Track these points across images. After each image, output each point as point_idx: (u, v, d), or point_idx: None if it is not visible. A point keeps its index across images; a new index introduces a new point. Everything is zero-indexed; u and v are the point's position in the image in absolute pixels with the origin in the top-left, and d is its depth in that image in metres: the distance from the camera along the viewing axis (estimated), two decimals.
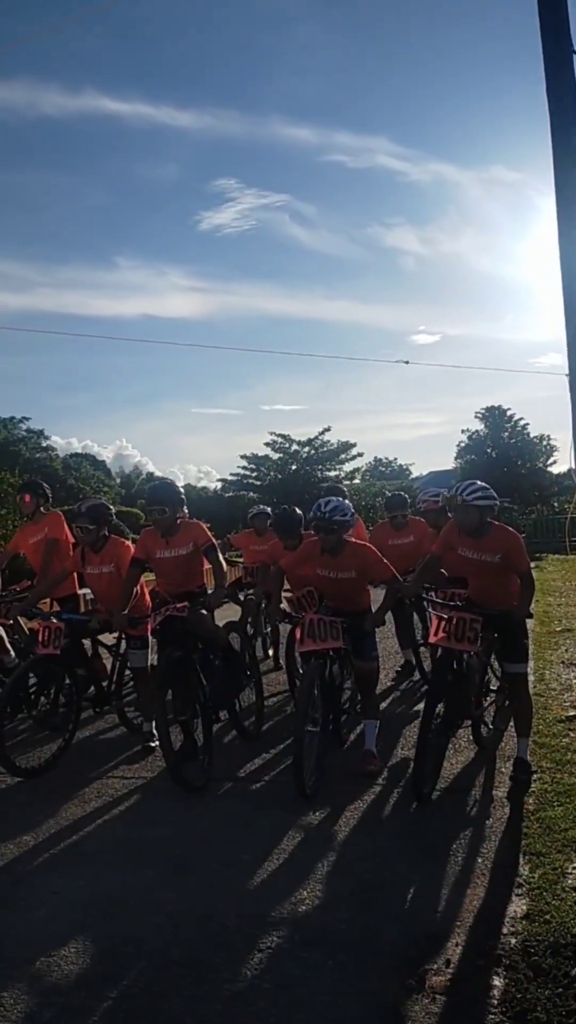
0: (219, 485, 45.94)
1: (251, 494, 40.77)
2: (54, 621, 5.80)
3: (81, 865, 4.23)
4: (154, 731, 6.10)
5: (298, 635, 5.43)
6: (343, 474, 39.46)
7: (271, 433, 40.03)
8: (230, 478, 42.54)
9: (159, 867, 4.16)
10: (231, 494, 42.85)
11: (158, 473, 65.26)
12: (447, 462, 43.96)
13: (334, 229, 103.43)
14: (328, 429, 39.20)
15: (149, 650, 6.22)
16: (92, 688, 6.17)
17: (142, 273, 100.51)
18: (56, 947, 3.41)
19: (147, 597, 6.39)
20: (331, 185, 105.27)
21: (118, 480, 62.88)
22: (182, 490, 6.09)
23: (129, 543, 6.37)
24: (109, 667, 6.41)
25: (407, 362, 33.24)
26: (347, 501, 5.68)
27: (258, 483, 40.49)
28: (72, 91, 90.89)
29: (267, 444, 39.69)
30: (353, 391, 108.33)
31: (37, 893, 3.92)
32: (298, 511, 7.42)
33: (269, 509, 10.01)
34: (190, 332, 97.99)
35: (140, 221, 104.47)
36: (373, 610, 5.67)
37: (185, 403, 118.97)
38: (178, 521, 5.90)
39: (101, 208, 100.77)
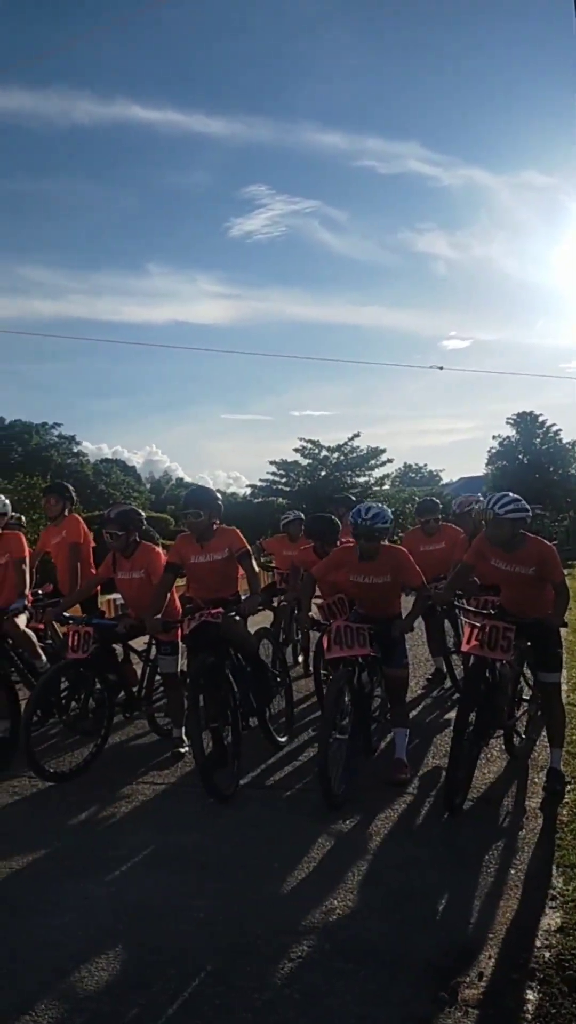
0: (248, 491, 45.98)
1: (280, 500, 40.77)
2: (83, 626, 5.83)
3: (111, 871, 4.23)
4: (184, 737, 6.10)
5: (325, 642, 5.40)
6: (372, 480, 39.34)
7: (300, 439, 39.97)
8: (259, 484, 42.53)
9: (188, 874, 4.15)
10: (260, 500, 42.90)
11: (188, 479, 65.68)
12: (478, 468, 43.82)
13: (364, 235, 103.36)
14: (358, 435, 39.08)
15: (179, 656, 6.23)
16: (122, 693, 6.19)
17: (173, 280, 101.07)
18: (85, 953, 3.40)
19: (177, 602, 6.40)
20: (362, 191, 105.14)
21: (148, 485, 63.32)
22: (219, 495, 6.08)
23: (159, 549, 6.38)
24: (139, 672, 6.42)
25: (441, 368, 33.04)
26: (386, 508, 5.67)
27: (287, 489, 40.47)
28: (103, 100, 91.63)
29: (296, 450, 39.68)
30: (383, 397, 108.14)
31: (67, 898, 3.92)
32: (336, 520, 7.40)
33: (303, 515, 10.00)
34: (220, 338, 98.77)
35: (171, 228, 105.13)
36: (403, 617, 5.63)
37: (215, 409, 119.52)
38: (214, 527, 5.90)
39: (133, 215, 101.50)
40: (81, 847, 4.57)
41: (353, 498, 10.22)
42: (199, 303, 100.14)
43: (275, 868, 4.16)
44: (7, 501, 6.70)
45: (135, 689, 6.29)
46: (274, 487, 41.21)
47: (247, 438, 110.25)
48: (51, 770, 5.64)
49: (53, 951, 3.44)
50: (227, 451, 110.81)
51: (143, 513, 6.48)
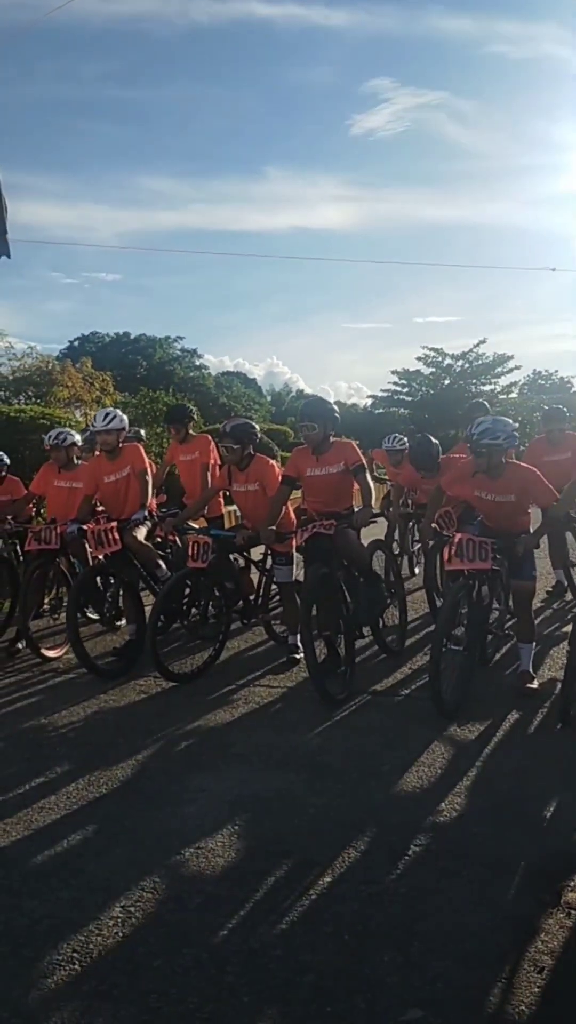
0: (369, 402, 45.50)
1: (402, 411, 40.26)
2: (203, 536, 6.02)
3: (229, 766, 4.46)
4: (299, 644, 6.28)
5: (445, 555, 5.37)
6: (499, 388, 38.21)
7: (423, 347, 39.10)
8: (380, 394, 42.02)
9: (302, 772, 4.33)
10: (381, 411, 42.42)
11: (308, 390, 65.60)
12: None
13: (495, 126, 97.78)
14: (483, 341, 37.91)
15: (294, 566, 6.36)
16: (240, 601, 6.40)
17: (293, 184, 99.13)
18: (204, 841, 3.62)
19: (291, 514, 6.50)
20: (492, 79, 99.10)
21: (268, 398, 63.56)
22: (336, 408, 6.07)
23: (274, 463, 6.49)
24: (256, 582, 6.61)
25: (553, 269, 31.59)
26: (507, 421, 5.46)
27: (409, 399, 39.88)
28: None
29: (419, 359, 38.87)
30: (512, 300, 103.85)
31: (188, 790, 4.17)
32: (434, 441, 7.32)
33: (406, 441, 9.83)
34: (342, 243, 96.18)
35: (291, 129, 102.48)
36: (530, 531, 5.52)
37: (336, 318, 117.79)
38: (330, 439, 5.93)
39: (251, 118, 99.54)
40: (202, 744, 4.82)
41: (486, 404, 9.89)
42: (320, 207, 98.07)
43: (385, 771, 4.29)
44: (125, 417, 6.94)
45: (252, 597, 6.49)
46: (395, 397, 40.67)
47: (369, 347, 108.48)
48: (175, 671, 5.94)
49: (174, 838, 3.67)
50: (348, 361, 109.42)
51: (257, 427, 6.56)
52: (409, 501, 8.62)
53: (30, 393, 23.40)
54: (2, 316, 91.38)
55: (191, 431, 8.27)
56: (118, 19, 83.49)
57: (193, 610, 6.86)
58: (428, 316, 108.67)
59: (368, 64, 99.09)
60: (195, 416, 8.58)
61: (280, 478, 6.19)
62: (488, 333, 72.08)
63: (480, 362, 38.07)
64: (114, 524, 6.40)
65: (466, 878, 3.24)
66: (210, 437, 8.18)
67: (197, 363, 58.53)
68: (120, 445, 6.78)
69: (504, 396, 37.72)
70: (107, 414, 6.85)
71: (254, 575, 6.65)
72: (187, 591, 6.75)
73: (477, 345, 37.84)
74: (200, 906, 3.13)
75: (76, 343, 56.14)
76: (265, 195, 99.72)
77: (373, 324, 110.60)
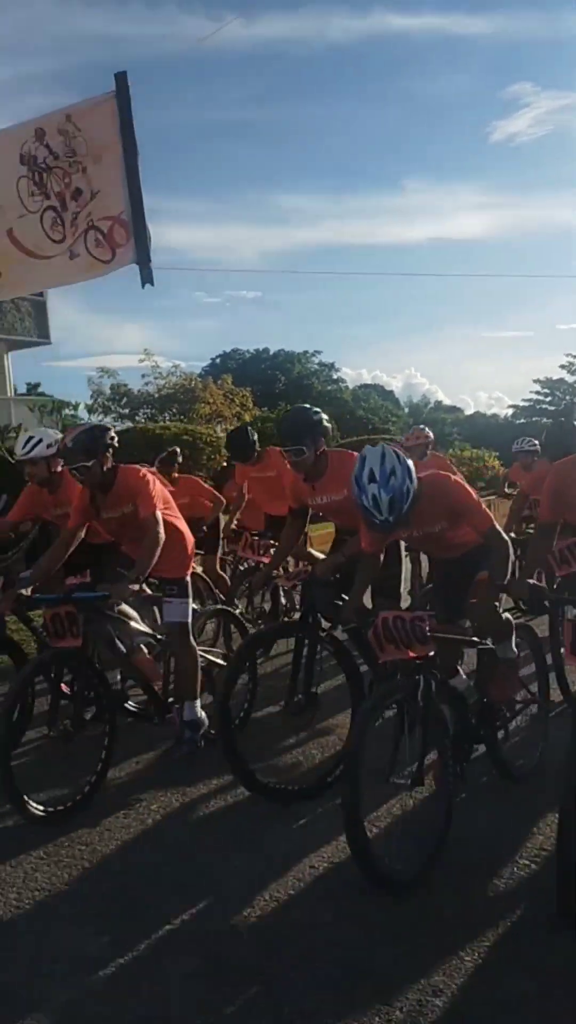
0: (510, 412, 44.13)
1: (545, 420, 38.84)
2: (65, 606, 4.32)
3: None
4: (196, 717, 4.74)
5: (371, 640, 3.66)
6: None
7: (567, 354, 37.58)
8: (522, 404, 40.80)
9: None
10: (523, 420, 41.10)
11: (447, 402, 64.54)
12: None
13: None
14: None
15: (190, 600, 4.86)
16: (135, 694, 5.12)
17: (431, 195, 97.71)
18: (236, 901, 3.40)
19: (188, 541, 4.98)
20: None
21: (407, 409, 62.74)
22: (318, 412, 4.74)
23: (144, 470, 4.81)
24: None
25: None
26: (397, 470, 3.52)
27: (552, 408, 38.52)
28: (360, 13, 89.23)
29: (562, 366, 37.51)
30: None
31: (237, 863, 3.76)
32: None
33: (536, 442, 9.09)
34: (481, 253, 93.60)
35: (430, 139, 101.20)
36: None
37: (475, 327, 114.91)
38: (325, 456, 4.73)
39: (389, 131, 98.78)
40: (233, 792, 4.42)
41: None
42: (458, 217, 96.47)
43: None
44: (56, 438, 5.23)
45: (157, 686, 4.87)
46: (538, 407, 39.44)
47: (509, 356, 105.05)
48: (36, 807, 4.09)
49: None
50: (488, 371, 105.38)
51: (112, 428, 4.99)
52: (528, 512, 8.17)
53: (174, 410, 24.01)
54: (150, 336, 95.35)
55: (258, 450, 7.27)
56: (259, 43, 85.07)
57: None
58: (571, 323, 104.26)
59: (508, 69, 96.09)
60: (256, 439, 7.43)
61: (154, 493, 4.60)
62: None
63: None
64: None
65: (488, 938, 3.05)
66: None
67: (334, 376, 58.76)
68: (56, 471, 5.29)
69: None
70: (28, 439, 5.28)
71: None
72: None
73: None
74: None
75: (218, 360, 57.34)
76: (402, 207, 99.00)
77: (513, 332, 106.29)
